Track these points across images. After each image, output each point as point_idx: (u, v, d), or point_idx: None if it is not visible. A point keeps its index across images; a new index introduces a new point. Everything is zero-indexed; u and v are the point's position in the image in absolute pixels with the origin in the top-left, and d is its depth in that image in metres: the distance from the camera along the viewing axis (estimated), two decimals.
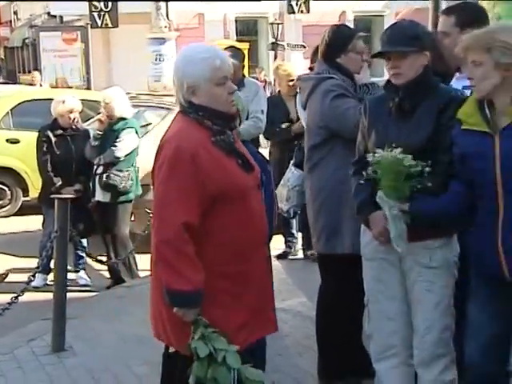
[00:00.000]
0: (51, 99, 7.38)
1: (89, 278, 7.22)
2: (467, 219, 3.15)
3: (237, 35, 25.87)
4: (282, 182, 4.78)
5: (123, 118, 6.79)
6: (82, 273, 7.19)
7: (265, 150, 7.26)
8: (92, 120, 8.86)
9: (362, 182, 3.44)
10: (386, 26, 3.72)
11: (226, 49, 6.77)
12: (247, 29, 27.11)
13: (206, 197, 2.97)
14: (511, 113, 2.98)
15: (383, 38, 3.40)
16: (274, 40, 22.92)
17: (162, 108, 9.10)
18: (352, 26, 25.38)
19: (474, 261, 3.18)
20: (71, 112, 6.92)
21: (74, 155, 6.91)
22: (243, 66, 6.61)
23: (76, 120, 6.99)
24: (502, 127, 2.98)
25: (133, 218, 7.61)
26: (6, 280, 6.97)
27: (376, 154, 3.26)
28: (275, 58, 22.18)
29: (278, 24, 23.49)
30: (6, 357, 5.06)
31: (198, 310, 2.99)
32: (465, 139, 3.06)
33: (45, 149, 6.89)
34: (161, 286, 3.06)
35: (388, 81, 3.48)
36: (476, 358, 3.18)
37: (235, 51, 6.71)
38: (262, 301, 3.20)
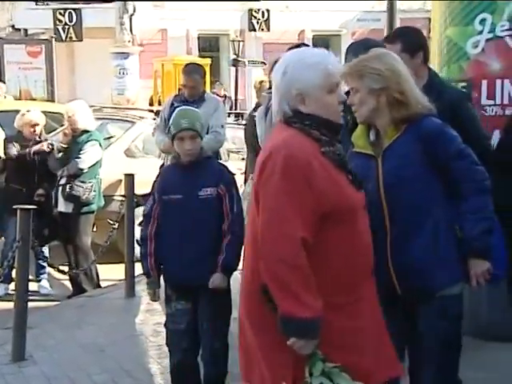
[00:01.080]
0: (15, 111, 7.32)
1: (50, 287, 7.13)
2: None
3: (199, 51, 25.88)
4: (241, 195, 4.79)
5: (87, 131, 6.75)
6: (43, 282, 7.09)
7: (226, 163, 7.26)
8: (55, 132, 8.78)
9: None
10: (343, 45, 3.80)
11: (187, 65, 6.81)
12: (209, 45, 27.14)
13: (318, 213, 2.55)
14: (390, 135, 3.02)
15: (353, 51, 3.43)
16: (235, 56, 23.00)
17: (125, 121, 9.09)
18: (311, 44, 25.73)
19: None
20: (34, 126, 6.87)
21: (36, 166, 6.85)
22: (204, 82, 6.62)
23: (39, 133, 6.94)
24: (383, 149, 3.06)
25: (95, 229, 7.55)
26: None
27: None
28: (236, 73, 22.27)
29: (239, 41, 23.59)
30: None
31: (316, 341, 2.52)
32: (355, 162, 3.09)
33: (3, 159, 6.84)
34: (253, 313, 2.68)
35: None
36: None
37: (196, 67, 6.72)
38: (379, 337, 2.74)
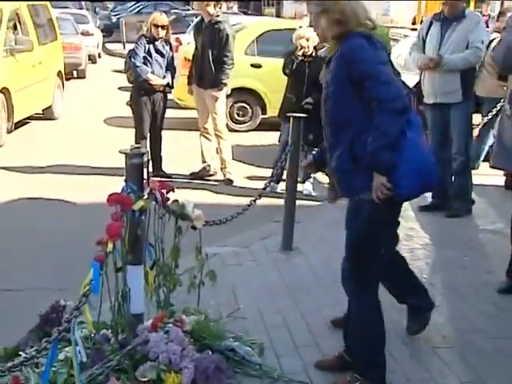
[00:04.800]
0: (293, 29, 7.49)
1: (313, 189, 7.36)
2: None
3: None
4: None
5: None
6: (307, 184, 7.32)
7: None
8: (325, 49, 8.90)
9: None
10: None
11: None
12: None
13: None
14: (331, 51, 3.11)
15: None
16: None
17: (390, 39, 8.87)
18: None
19: None
20: (306, 40, 7.02)
21: (306, 78, 7.01)
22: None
23: (307, 49, 7.08)
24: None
25: None
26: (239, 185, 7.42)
27: None
28: None
29: None
30: (244, 250, 5.38)
31: None
32: None
33: (288, 71, 7.12)
34: None
35: None
36: None
37: None
38: None
